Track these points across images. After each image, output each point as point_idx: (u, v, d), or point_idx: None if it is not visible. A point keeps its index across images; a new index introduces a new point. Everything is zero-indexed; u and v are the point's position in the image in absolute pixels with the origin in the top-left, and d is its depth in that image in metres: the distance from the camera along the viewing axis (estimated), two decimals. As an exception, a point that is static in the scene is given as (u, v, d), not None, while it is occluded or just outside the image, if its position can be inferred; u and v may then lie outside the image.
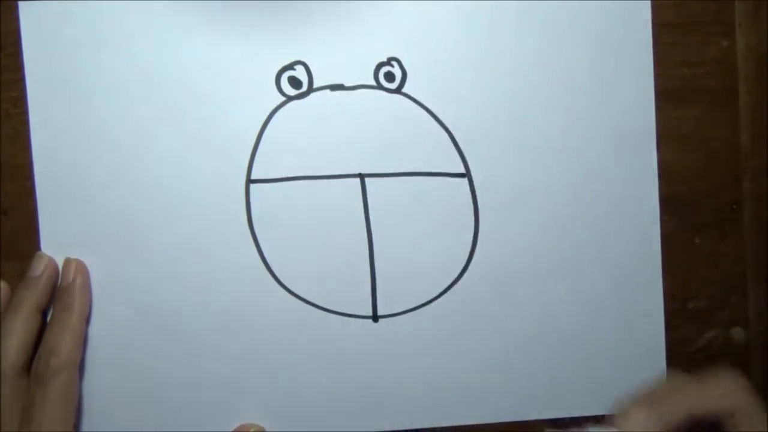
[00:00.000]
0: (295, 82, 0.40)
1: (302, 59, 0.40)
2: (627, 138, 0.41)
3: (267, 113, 0.40)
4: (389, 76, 0.40)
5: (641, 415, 0.34)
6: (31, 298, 0.38)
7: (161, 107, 0.39)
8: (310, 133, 0.40)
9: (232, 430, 0.40)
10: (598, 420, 0.38)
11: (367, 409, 0.41)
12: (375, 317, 0.40)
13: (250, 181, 0.40)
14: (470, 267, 0.41)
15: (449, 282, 0.41)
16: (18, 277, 0.39)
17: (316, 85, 0.40)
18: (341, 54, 0.40)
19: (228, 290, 0.40)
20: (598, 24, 0.40)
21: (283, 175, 0.40)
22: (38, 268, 0.39)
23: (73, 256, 0.39)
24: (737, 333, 0.42)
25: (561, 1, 0.40)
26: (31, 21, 0.39)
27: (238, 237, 0.40)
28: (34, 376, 0.37)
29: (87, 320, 0.39)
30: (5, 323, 0.38)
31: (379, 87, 0.40)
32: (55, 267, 0.39)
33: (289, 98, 0.40)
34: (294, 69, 0.40)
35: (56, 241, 0.40)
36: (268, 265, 0.40)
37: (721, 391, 0.35)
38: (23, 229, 0.40)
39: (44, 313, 0.39)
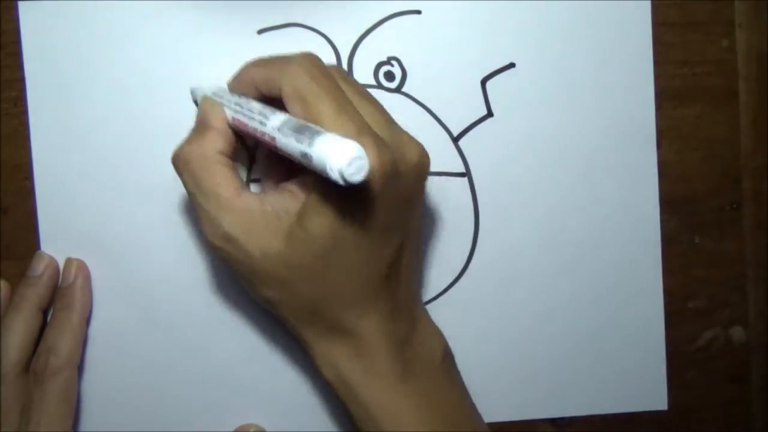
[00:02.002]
0: (295, 82, 0.40)
1: (302, 59, 0.40)
2: (627, 138, 0.41)
3: (267, 113, 0.40)
4: (389, 76, 0.40)
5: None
6: (32, 297, 0.38)
7: (161, 107, 0.39)
8: (310, 133, 0.40)
9: (232, 430, 0.40)
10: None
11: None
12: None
13: (250, 180, 0.40)
14: (470, 267, 0.41)
15: (449, 282, 0.41)
16: (18, 276, 0.39)
17: (316, 84, 0.40)
18: (341, 53, 0.40)
19: (228, 290, 0.40)
20: (598, 24, 0.40)
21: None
22: (39, 267, 0.39)
23: (73, 256, 0.39)
24: (737, 332, 0.42)
25: (561, 1, 0.40)
26: (31, 21, 0.39)
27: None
28: (33, 375, 0.37)
29: (87, 320, 0.39)
30: (6, 322, 0.38)
31: (379, 86, 0.40)
32: (56, 266, 0.39)
33: (289, 98, 0.40)
34: (294, 69, 0.40)
35: (56, 240, 0.40)
36: (268, 265, 0.40)
37: (274, 66, 0.33)
38: (23, 228, 0.40)
39: (45, 313, 0.39)
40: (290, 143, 0.30)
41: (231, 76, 0.36)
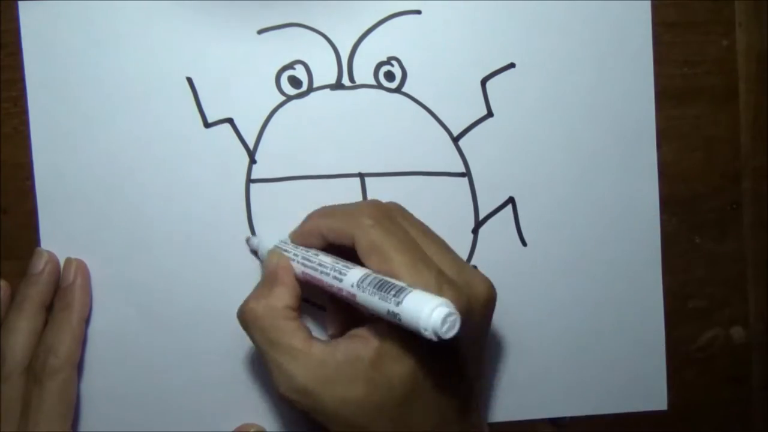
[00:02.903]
0: (295, 82, 0.40)
1: (302, 59, 0.40)
2: (627, 137, 0.41)
3: (267, 113, 0.40)
4: (389, 76, 0.40)
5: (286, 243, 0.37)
6: (34, 296, 0.38)
7: (161, 107, 0.39)
8: (310, 133, 0.40)
9: (232, 430, 0.40)
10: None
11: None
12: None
13: (250, 180, 0.40)
14: (470, 267, 0.41)
15: (449, 282, 0.41)
16: (18, 276, 0.39)
17: (316, 84, 0.40)
18: (341, 53, 0.40)
19: (228, 290, 0.40)
20: (598, 24, 0.40)
21: (284, 175, 0.40)
22: (39, 265, 0.39)
23: (72, 255, 0.39)
24: (737, 332, 0.42)
25: (561, 1, 0.40)
26: (31, 21, 0.39)
27: (238, 237, 0.40)
28: (32, 375, 0.37)
29: (86, 320, 0.39)
30: (10, 322, 0.38)
31: (380, 86, 0.40)
32: (56, 262, 0.39)
33: (289, 98, 0.40)
34: (294, 68, 0.40)
35: (56, 240, 0.40)
36: (268, 265, 0.40)
37: (343, 218, 0.34)
38: (23, 228, 0.40)
39: (48, 310, 0.39)
40: (373, 301, 0.31)
41: (294, 230, 0.37)
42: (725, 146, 0.42)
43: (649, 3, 0.40)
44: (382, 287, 0.30)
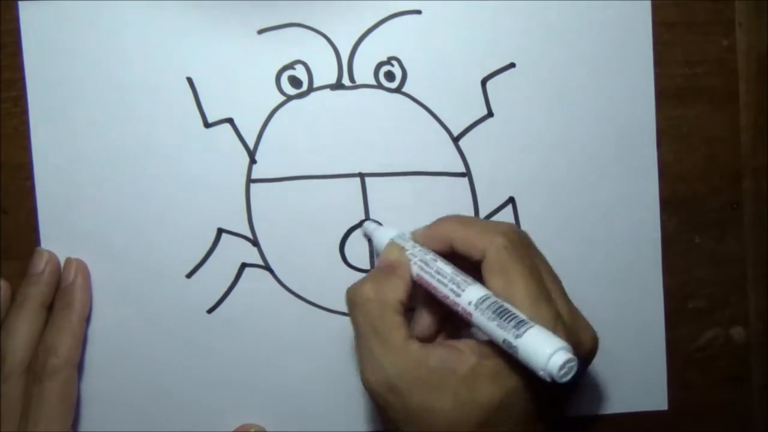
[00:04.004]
0: (295, 82, 0.40)
1: (302, 58, 0.40)
2: (627, 137, 0.41)
3: (267, 113, 0.40)
4: (389, 76, 0.40)
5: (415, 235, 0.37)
6: (34, 295, 0.38)
7: (161, 107, 0.39)
8: (311, 133, 0.40)
9: (232, 430, 0.40)
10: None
11: (368, 408, 0.41)
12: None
13: (250, 180, 0.40)
14: (470, 267, 0.41)
15: (449, 282, 0.41)
16: (18, 276, 0.39)
17: (316, 84, 0.40)
18: (341, 53, 0.40)
19: (228, 290, 0.40)
20: (598, 24, 0.40)
21: (284, 175, 0.40)
22: (39, 264, 0.39)
23: (73, 255, 0.39)
24: (737, 332, 0.42)
25: (561, 1, 0.40)
26: (31, 21, 0.39)
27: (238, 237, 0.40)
28: (32, 375, 0.37)
29: (87, 320, 0.39)
30: (10, 321, 0.38)
31: (380, 86, 0.40)
32: (57, 261, 0.39)
33: (289, 98, 0.40)
34: (294, 68, 0.40)
35: (56, 240, 0.40)
36: (269, 265, 0.40)
37: (479, 231, 0.34)
38: (23, 228, 0.40)
39: (49, 309, 0.39)
40: (490, 326, 0.31)
41: (420, 229, 0.37)
42: (725, 146, 0.42)
43: (649, 3, 0.40)
44: (502, 314, 0.31)
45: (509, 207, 0.41)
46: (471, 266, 0.34)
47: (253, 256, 0.40)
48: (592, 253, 0.41)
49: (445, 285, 0.33)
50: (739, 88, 0.41)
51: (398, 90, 0.40)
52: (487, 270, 0.33)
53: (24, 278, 0.39)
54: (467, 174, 0.40)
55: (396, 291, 0.34)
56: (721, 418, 0.42)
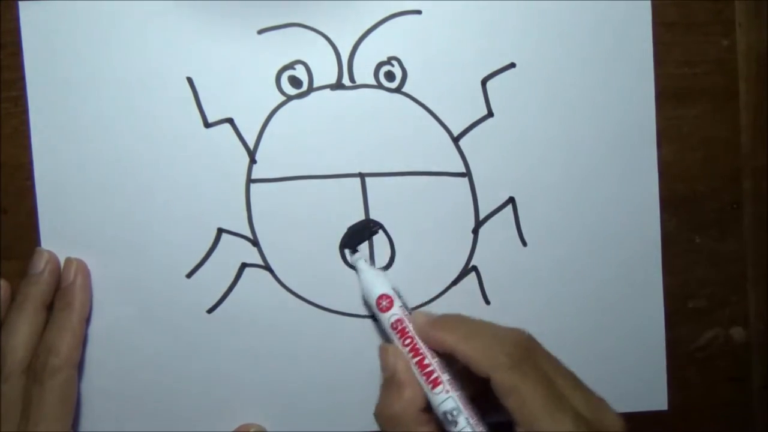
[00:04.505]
0: (295, 82, 0.40)
1: (302, 59, 0.40)
2: (627, 138, 0.41)
3: (267, 113, 0.40)
4: (389, 76, 0.40)
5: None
6: (35, 295, 0.38)
7: (161, 107, 0.39)
8: (311, 133, 0.40)
9: (232, 430, 0.40)
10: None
11: (368, 408, 0.41)
12: (375, 317, 0.40)
13: (250, 180, 0.40)
14: (470, 266, 0.41)
15: (449, 281, 0.41)
16: (18, 276, 0.39)
17: (316, 84, 0.40)
18: (341, 53, 0.40)
19: (228, 290, 0.40)
20: (598, 24, 0.40)
21: (284, 175, 0.40)
22: (39, 264, 0.39)
23: (73, 255, 0.39)
24: (737, 332, 0.42)
25: (561, 1, 0.40)
26: (31, 21, 0.39)
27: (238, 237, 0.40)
28: (32, 375, 0.37)
29: (87, 320, 0.39)
30: (10, 321, 0.38)
31: (380, 86, 0.40)
32: (57, 261, 0.39)
33: (290, 98, 0.40)
34: (294, 68, 0.40)
35: (56, 240, 0.40)
36: (269, 265, 0.40)
37: (482, 350, 0.34)
38: (23, 228, 0.40)
39: (49, 309, 0.39)
40: None
41: (426, 319, 0.36)
42: (725, 146, 0.42)
43: (649, 3, 0.40)
44: None
45: (509, 207, 0.41)
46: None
47: (253, 256, 0.40)
48: (591, 253, 0.41)
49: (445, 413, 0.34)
50: (739, 89, 0.41)
51: (398, 90, 0.40)
52: (497, 392, 0.33)
53: (24, 278, 0.39)
54: (467, 174, 0.40)
55: (414, 403, 0.35)
56: (721, 418, 0.42)
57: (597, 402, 0.34)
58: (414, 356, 0.35)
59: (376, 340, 0.40)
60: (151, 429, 0.40)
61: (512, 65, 0.40)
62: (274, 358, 0.40)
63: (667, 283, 0.41)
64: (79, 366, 0.39)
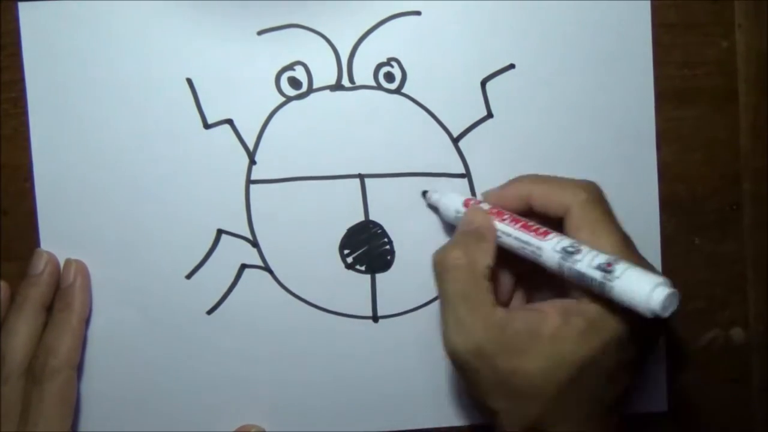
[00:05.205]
0: (294, 83, 0.40)
1: (302, 60, 0.40)
2: (627, 138, 0.41)
3: (267, 114, 0.40)
4: (389, 77, 0.40)
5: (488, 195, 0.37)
6: (34, 296, 0.38)
7: (161, 108, 0.39)
8: (310, 134, 0.40)
9: (232, 430, 0.40)
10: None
11: (367, 409, 0.41)
12: (375, 318, 0.40)
13: (250, 181, 0.40)
14: (470, 267, 0.41)
15: (449, 282, 0.41)
16: (18, 277, 0.39)
17: (315, 85, 0.40)
18: (341, 54, 0.40)
19: (228, 290, 0.40)
20: (599, 24, 0.40)
21: (283, 176, 0.40)
22: (39, 265, 0.39)
23: (72, 257, 0.39)
24: (737, 333, 0.42)
25: (561, 2, 0.40)
26: (31, 21, 0.39)
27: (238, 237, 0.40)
28: (32, 376, 0.37)
29: (86, 321, 0.39)
30: (10, 323, 0.38)
31: (379, 87, 0.40)
32: (56, 262, 0.39)
33: (289, 99, 0.40)
34: (294, 69, 0.40)
35: (56, 241, 0.40)
36: (269, 266, 0.40)
37: (559, 187, 0.35)
38: (23, 229, 0.40)
39: (49, 310, 0.39)
40: (583, 271, 0.31)
41: (491, 190, 0.37)
42: (725, 147, 0.42)
43: (649, 4, 0.40)
44: (601, 267, 0.31)
45: (509, 208, 0.41)
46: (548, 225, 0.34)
47: (253, 257, 0.40)
48: (591, 254, 0.41)
49: (529, 243, 0.33)
50: (739, 90, 0.41)
51: (398, 91, 0.40)
52: (572, 225, 0.33)
53: (23, 279, 0.39)
54: (467, 175, 0.40)
55: (485, 256, 0.34)
56: (721, 419, 0.42)
57: (651, 268, 0.34)
58: (514, 222, 0.35)
59: (375, 341, 0.40)
60: (151, 430, 0.40)
61: (512, 66, 0.40)
62: (273, 359, 0.40)
63: (666, 284, 0.41)
64: (79, 367, 0.39)
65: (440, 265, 0.34)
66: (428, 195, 0.40)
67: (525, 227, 0.34)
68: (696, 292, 0.42)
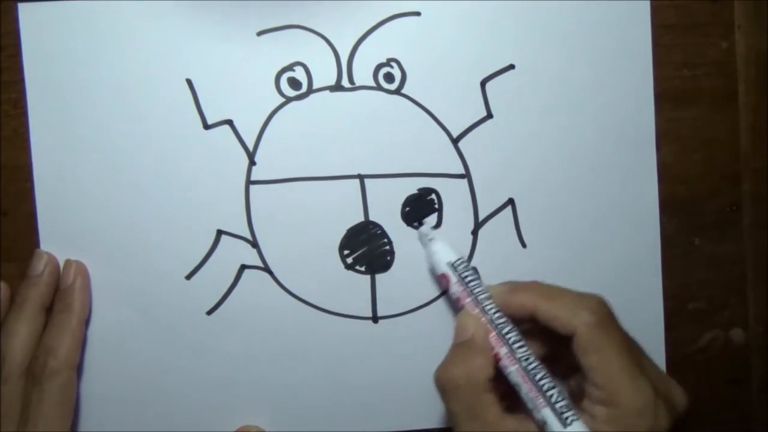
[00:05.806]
0: (294, 83, 0.40)
1: (302, 60, 0.40)
2: (627, 139, 0.41)
3: (266, 114, 0.40)
4: (389, 77, 0.40)
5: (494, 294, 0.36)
6: (34, 297, 0.38)
7: (160, 108, 0.39)
8: (310, 135, 0.40)
9: (232, 431, 0.40)
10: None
11: (367, 409, 0.41)
12: (375, 318, 0.40)
13: (250, 182, 0.40)
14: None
15: (449, 283, 0.41)
16: (18, 278, 0.39)
17: (315, 86, 0.40)
18: (340, 55, 0.40)
19: (228, 291, 0.40)
20: (598, 24, 0.40)
21: (283, 177, 0.40)
22: (39, 266, 0.39)
23: (72, 257, 0.39)
24: (737, 334, 0.42)
25: (561, 1, 0.40)
26: (30, 22, 0.39)
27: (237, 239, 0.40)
28: (31, 376, 0.37)
29: (86, 322, 0.39)
30: (10, 323, 0.38)
31: (379, 88, 0.40)
32: (56, 263, 0.39)
33: (289, 99, 0.40)
34: (293, 70, 0.40)
35: (56, 242, 0.40)
36: (268, 266, 0.40)
37: (565, 307, 0.34)
38: (23, 230, 0.40)
39: (48, 311, 0.39)
40: None
41: (500, 289, 0.36)
42: (725, 148, 0.42)
43: (649, 4, 0.40)
44: None
45: (508, 208, 0.41)
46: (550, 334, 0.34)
47: (253, 258, 0.40)
48: (591, 255, 0.41)
49: (534, 379, 0.34)
50: (739, 90, 0.41)
51: (397, 91, 0.40)
52: (579, 347, 0.33)
53: (23, 280, 0.39)
54: (467, 175, 0.40)
55: (484, 370, 0.34)
56: (721, 419, 0.42)
57: (665, 377, 0.35)
58: (511, 361, 0.35)
59: (375, 341, 0.40)
60: (151, 430, 0.40)
61: (511, 67, 0.40)
62: (273, 360, 0.40)
63: (666, 284, 0.41)
64: (79, 368, 0.39)
65: (442, 386, 0.35)
66: (420, 230, 0.40)
67: (524, 378, 0.34)
68: (696, 292, 0.42)
